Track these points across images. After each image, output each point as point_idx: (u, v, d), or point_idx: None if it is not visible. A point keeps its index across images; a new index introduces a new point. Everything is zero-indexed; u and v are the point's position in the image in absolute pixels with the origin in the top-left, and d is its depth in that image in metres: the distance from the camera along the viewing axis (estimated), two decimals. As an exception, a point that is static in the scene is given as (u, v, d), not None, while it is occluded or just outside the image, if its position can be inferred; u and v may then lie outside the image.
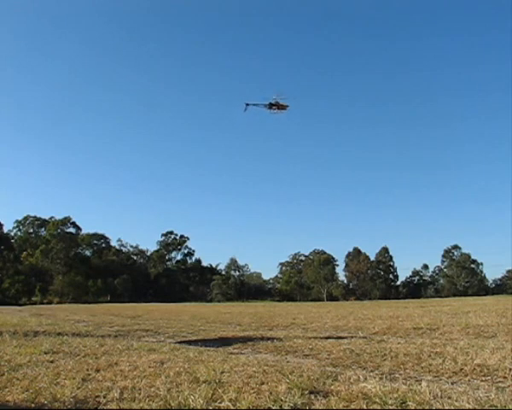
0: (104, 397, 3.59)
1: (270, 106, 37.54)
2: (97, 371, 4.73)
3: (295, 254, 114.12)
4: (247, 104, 37.51)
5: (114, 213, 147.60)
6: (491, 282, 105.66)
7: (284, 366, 4.89)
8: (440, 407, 3.12)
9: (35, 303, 72.79)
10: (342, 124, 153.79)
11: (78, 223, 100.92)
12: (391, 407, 3.16)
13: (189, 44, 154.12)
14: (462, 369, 4.77)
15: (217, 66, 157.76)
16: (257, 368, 4.71)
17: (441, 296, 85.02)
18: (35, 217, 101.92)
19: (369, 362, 5.44)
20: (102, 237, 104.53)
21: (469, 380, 4.34)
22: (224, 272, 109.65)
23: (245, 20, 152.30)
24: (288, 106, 38.21)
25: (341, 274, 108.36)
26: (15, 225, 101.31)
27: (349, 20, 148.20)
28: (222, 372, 4.44)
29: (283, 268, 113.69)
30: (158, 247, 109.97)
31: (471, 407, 3.11)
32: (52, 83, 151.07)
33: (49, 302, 76.66)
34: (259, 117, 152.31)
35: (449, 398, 3.30)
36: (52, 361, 5.44)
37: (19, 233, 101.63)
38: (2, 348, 6.60)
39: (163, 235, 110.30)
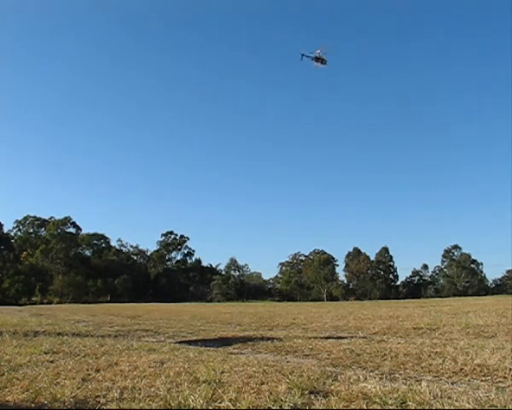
0: (104, 397, 3.59)
1: (316, 59, 40.43)
2: (97, 371, 4.73)
3: (295, 254, 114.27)
4: (303, 55, 41.16)
5: (114, 213, 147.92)
6: (491, 282, 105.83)
7: (284, 366, 4.89)
8: (440, 407, 3.12)
9: (35, 303, 72.76)
10: (342, 124, 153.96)
11: (78, 223, 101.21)
12: (391, 407, 3.16)
13: (190, 45, 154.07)
14: (462, 369, 4.76)
15: (217, 67, 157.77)
16: (257, 368, 4.71)
17: (441, 296, 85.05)
18: (35, 217, 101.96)
19: (369, 362, 5.43)
20: (102, 237, 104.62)
21: (469, 380, 4.33)
22: (223, 272, 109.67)
23: (246, 21, 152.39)
24: (326, 62, 41.43)
25: (341, 274, 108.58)
26: (15, 225, 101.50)
27: (348, 20, 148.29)
28: (222, 372, 4.44)
29: (283, 268, 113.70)
30: (158, 247, 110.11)
31: (471, 407, 3.11)
32: (52, 83, 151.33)
33: (49, 302, 76.64)
34: (259, 117, 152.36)
35: (449, 398, 3.30)
36: (52, 361, 5.44)
37: (19, 233, 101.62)
38: (2, 348, 6.59)
39: (163, 235, 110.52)
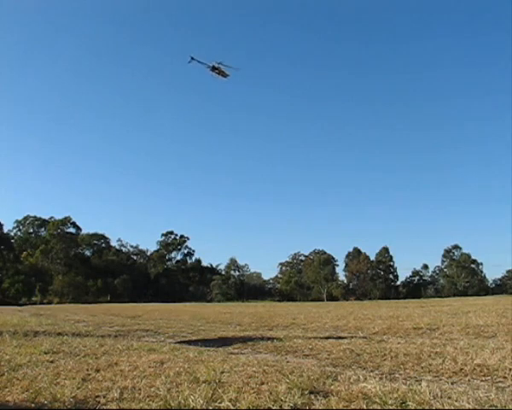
0: (104, 397, 3.59)
1: (213, 68, 38.32)
2: (97, 371, 4.73)
3: (295, 254, 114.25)
4: (192, 58, 38.47)
5: (114, 213, 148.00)
6: (491, 282, 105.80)
7: (284, 366, 4.89)
8: (440, 407, 3.12)
9: (35, 303, 72.78)
10: (342, 125, 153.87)
11: (78, 223, 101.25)
12: (391, 407, 3.16)
13: (190, 45, 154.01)
14: (462, 369, 4.76)
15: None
16: (257, 368, 4.71)
17: (441, 296, 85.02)
18: (35, 217, 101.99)
19: (369, 362, 5.43)
20: (102, 237, 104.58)
21: (469, 380, 4.33)
22: (223, 272, 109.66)
23: (246, 21, 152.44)
24: (228, 75, 39.04)
25: (341, 274, 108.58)
26: (15, 225, 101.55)
27: (348, 20, 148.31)
28: (222, 372, 4.44)
29: (283, 268, 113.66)
30: (158, 247, 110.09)
31: (471, 407, 3.11)
32: (52, 83, 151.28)
33: (49, 302, 76.66)
34: (259, 118, 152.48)
35: (449, 398, 3.30)
36: (52, 361, 5.44)
37: (19, 233, 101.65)
38: (2, 348, 6.59)
39: (163, 235, 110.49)
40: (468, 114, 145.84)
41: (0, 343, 7.38)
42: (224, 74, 38.27)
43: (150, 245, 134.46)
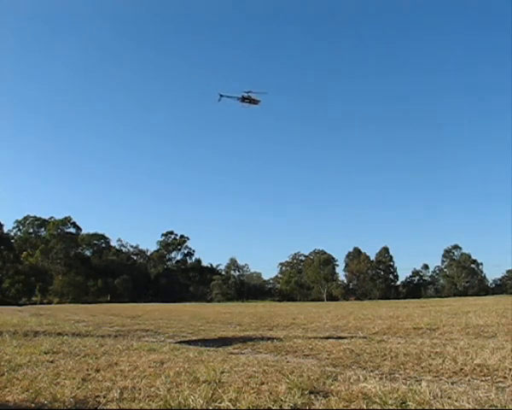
0: (104, 397, 3.59)
1: (243, 99, 37.58)
2: (97, 371, 4.73)
3: (295, 254, 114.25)
4: (221, 95, 37.94)
5: (114, 213, 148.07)
6: (491, 282, 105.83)
7: (284, 366, 4.89)
8: (440, 407, 3.12)
9: (35, 303, 72.81)
10: (342, 125, 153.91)
11: (78, 223, 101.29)
12: (391, 407, 3.16)
13: (189, 45, 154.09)
14: (462, 369, 4.76)
15: (215, 67, 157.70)
16: (257, 368, 4.71)
17: (441, 296, 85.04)
18: (35, 217, 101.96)
19: (369, 362, 5.43)
20: (102, 237, 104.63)
21: (469, 380, 4.33)
22: (223, 272, 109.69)
23: (245, 20, 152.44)
24: (260, 101, 38.16)
25: (341, 274, 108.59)
26: (15, 225, 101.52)
27: (347, 20, 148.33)
28: (222, 372, 4.44)
29: (283, 268, 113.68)
30: (158, 247, 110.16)
31: (471, 407, 3.11)
32: (52, 83, 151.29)
33: (49, 302, 76.69)
34: (259, 118, 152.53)
35: (449, 398, 3.30)
36: (52, 361, 5.44)
37: (19, 233, 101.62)
38: (2, 348, 6.59)
39: (163, 235, 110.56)
40: (468, 114, 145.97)
41: (0, 343, 7.38)
42: (255, 102, 37.65)
43: (150, 245, 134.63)
